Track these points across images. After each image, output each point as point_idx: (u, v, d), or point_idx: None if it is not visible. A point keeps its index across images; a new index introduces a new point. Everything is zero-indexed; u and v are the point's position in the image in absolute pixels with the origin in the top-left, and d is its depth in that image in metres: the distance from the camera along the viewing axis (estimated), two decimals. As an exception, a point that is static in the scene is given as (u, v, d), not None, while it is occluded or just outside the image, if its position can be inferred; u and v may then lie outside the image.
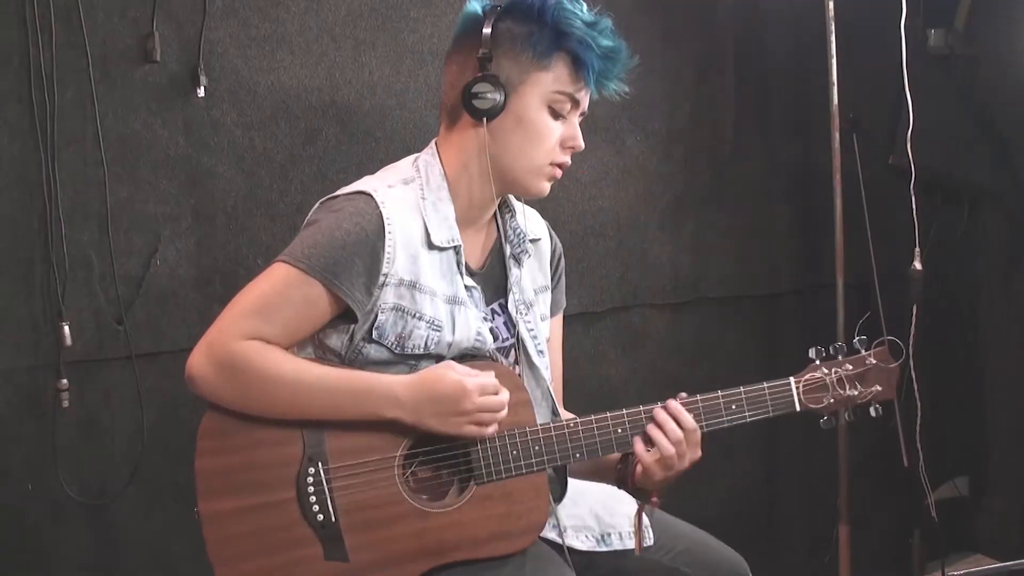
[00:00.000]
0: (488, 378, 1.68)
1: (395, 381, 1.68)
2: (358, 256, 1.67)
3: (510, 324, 1.86)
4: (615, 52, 1.74)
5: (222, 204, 2.41)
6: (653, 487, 1.79)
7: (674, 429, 1.74)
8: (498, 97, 1.71)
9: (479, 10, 1.76)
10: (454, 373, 1.67)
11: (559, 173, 1.80)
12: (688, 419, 1.75)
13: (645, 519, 1.83)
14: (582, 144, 1.79)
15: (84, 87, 2.24)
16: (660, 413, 1.75)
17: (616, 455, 1.84)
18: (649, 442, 1.75)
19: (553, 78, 1.74)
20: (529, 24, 1.73)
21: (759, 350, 3.13)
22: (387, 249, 1.70)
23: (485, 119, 1.73)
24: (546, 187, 1.81)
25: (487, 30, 1.72)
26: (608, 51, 1.73)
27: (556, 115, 1.76)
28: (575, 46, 1.72)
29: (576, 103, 1.77)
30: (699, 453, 1.77)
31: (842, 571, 2.83)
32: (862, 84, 2.86)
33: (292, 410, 1.65)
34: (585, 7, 1.75)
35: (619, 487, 1.87)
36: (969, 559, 3.28)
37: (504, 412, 1.69)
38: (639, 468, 1.77)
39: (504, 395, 1.69)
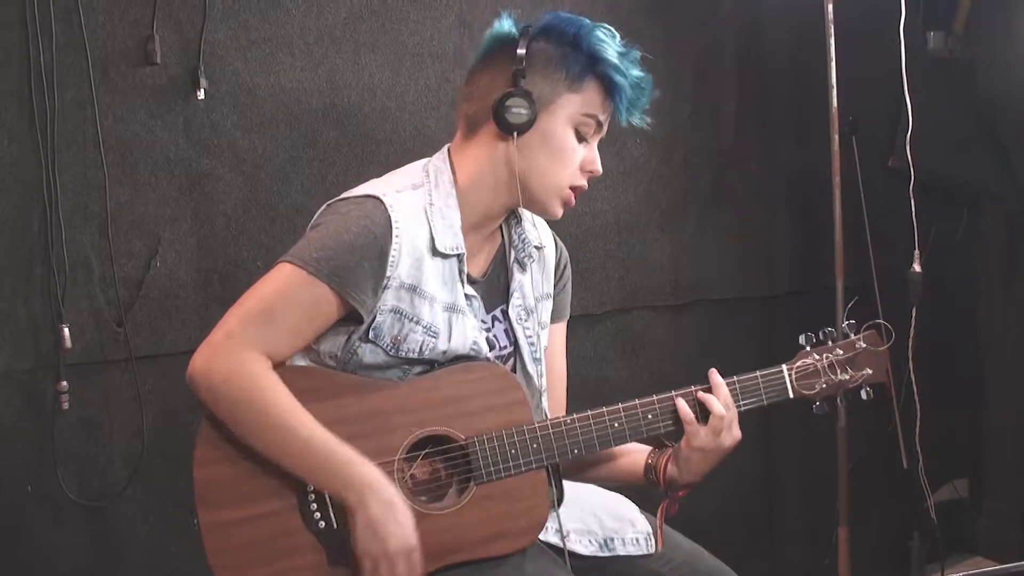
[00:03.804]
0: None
1: (372, 485, 1.62)
2: (366, 259, 1.67)
3: (510, 331, 1.86)
4: (644, 83, 1.77)
5: (222, 206, 2.41)
6: (689, 474, 1.82)
7: (726, 395, 1.79)
8: (529, 113, 1.72)
9: (513, 29, 1.78)
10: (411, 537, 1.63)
11: (573, 201, 1.81)
12: (728, 397, 1.80)
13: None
14: (600, 169, 1.81)
15: (84, 89, 2.25)
16: (712, 382, 1.79)
17: (644, 451, 1.88)
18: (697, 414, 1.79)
19: (583, 100, 1.76)
20: (563, 47, 1.75)
21: (759, 352, 3.13)
22: (393, 252, 1.69)
23: (515, 133, 1.74)
24: (559, 210, 1.82)
25: (522, 50, 1.73)
26: (639, 80, 1.76)
27: (580, 137, 1.78)
28: (609, 71, 1.74)
29: (600, 127, 1.79)
30: (739, 434, 1.82)
31: (841, 573, 2.83)
32: (861, 87, 2.86)
33: (268, 452, 1.63)
34: (618, 38, 1.77)
35: (647, 480, 1.88)
36: (968, 561, 3.28)
37: None
38: (669, 465, 1.82)
39: None
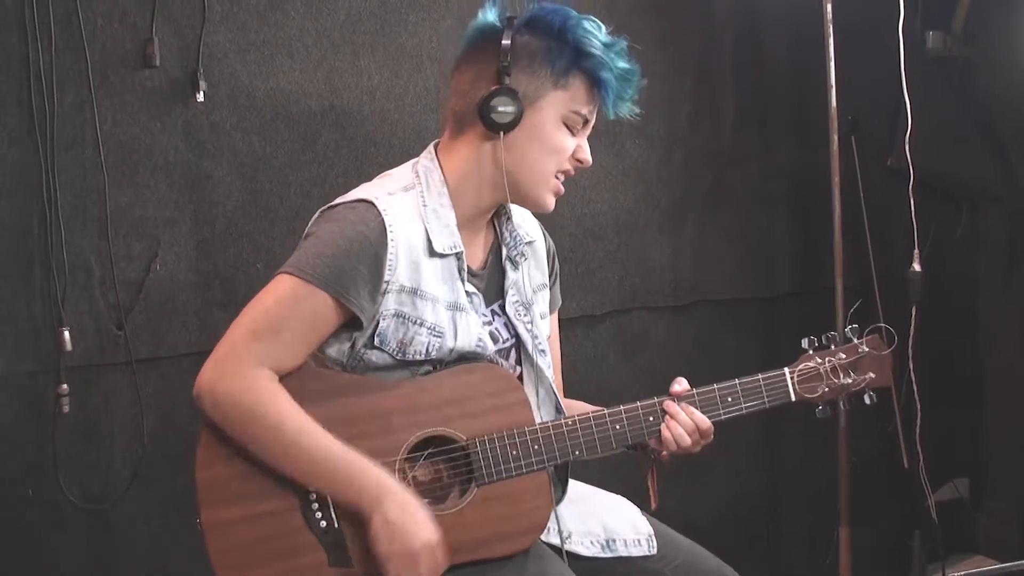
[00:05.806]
0: None
1: (387, 488, 1.64)
2: (362, 264, 1.67)
3: (510, 325, 1.86)
4: (631, 74, 1.75)
5: (221, 208, 2.41)
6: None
7: (688, 423, 1.78)
8: (515, 111, 1.71)
9: (496, 21, 1.76)
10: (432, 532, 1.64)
11: (562, 189, 1.81)
12: (703, 420, 1.79)
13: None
14: (590, 160, 1.80)
15: (83, 92, 2.25)
16: (672, 406, 1.78)
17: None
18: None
19: (570, 97, 1.75)
20: (548, 40, 1.74)
21: (759, 352, 3.13)
22: (390, 256, 1.69)
23: (502, 132, 1.73)
24: (552, 201, 1.81)
25: (506, 42, 1.72)
26: (625, 73, 1.74)
27: (570, 131, 1.77)
28: (594, 66, 1.73)
29: (587, 121, 1.79)
30: (711, 437, 1.82)
31: (842, 573, 2.83)
32: (860, 86, 2.86)
33: (282, 466, 1.64)
34: (604, 29, 1.76)
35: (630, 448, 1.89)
36: (969, 560, 3.27)
37: None
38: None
39: None
